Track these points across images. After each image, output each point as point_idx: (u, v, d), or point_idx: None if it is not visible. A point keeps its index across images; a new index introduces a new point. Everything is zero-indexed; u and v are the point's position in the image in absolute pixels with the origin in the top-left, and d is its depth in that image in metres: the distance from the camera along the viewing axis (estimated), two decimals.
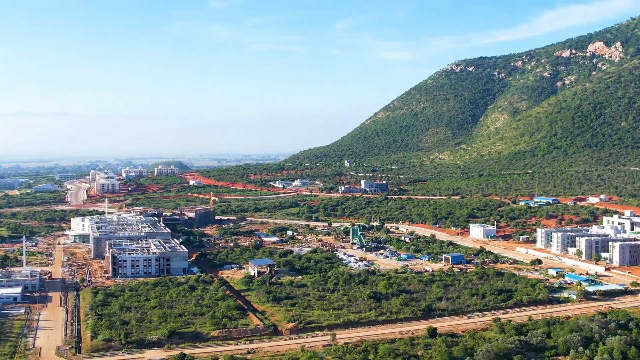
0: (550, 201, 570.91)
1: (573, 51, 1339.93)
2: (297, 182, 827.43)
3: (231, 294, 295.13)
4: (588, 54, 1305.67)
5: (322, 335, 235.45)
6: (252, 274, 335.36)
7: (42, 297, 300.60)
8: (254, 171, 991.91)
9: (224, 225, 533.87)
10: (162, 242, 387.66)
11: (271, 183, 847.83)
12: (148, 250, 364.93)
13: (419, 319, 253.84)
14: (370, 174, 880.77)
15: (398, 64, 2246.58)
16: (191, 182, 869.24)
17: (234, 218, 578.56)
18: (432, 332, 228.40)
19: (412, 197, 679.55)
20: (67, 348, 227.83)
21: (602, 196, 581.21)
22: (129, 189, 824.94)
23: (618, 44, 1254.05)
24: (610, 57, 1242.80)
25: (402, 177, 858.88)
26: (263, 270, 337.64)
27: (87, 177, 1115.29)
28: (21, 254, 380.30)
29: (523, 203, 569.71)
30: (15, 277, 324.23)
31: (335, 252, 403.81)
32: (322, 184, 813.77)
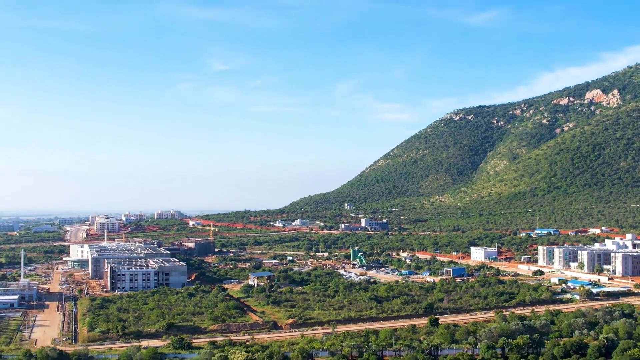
0: (551, 232, 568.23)
1: (571, 99, 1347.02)
2: (297, 222, 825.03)
3: (230, 299, 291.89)
4: (586, 102, 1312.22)
5: (322, 329, 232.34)
6: (252, 284, 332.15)
7: (39, 305, 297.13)
8: (254, 214, 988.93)
9: (223, 255, 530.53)
10: (161, 260, 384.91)
11: (271, 223, 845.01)
12: (147, 266, 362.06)
13: (420, 317, 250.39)
14: (371, 215, 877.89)
15: (398, 124, 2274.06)
16: (191, 223, 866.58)
17: (234, 250, 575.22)
18: (434, 321, 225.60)
19: (412, 232, 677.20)
20: (64, 339, 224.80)
21: (603, 228, 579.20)
22: (129, 229, 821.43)
23: (615, 91, 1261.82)
24: (608, 104, 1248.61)
25: (402, 217, 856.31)
26: (262, 283, 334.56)
27: (87, 222, 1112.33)
28: (19, 276, 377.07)
29: (524, 234, 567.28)
30: (12, 288, 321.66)
31: (335, 270, 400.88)
32: (322, 224, 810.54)
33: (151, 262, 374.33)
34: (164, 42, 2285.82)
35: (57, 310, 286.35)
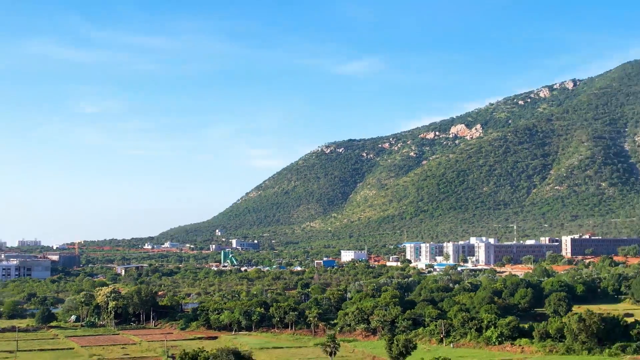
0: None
1: (437, 133, 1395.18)
2: (167, 244, 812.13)
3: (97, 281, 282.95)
4: (451, 136, 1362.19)
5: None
6: (120, 273, 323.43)
7: None
8: (123, 241, 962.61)
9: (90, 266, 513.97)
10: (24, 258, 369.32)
11: (140, 246, 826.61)
12: (7, 262, 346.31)
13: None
14: (242, 239, 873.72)
15: (270, 169, 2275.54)
16: (55, 247, 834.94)
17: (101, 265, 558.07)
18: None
19: (284, 251, 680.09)
20: None
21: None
22: None
23: (478, 126, 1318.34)
24: (472, 137, 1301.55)
25: (273, 241, 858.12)
26: (131, 273, 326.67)
27: None
28: None
29: (392, 246, 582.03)
30: None
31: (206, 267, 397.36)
32: (192, 246, 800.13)
33: (12, 259, 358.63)
34: (32, 83, 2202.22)
35: None
